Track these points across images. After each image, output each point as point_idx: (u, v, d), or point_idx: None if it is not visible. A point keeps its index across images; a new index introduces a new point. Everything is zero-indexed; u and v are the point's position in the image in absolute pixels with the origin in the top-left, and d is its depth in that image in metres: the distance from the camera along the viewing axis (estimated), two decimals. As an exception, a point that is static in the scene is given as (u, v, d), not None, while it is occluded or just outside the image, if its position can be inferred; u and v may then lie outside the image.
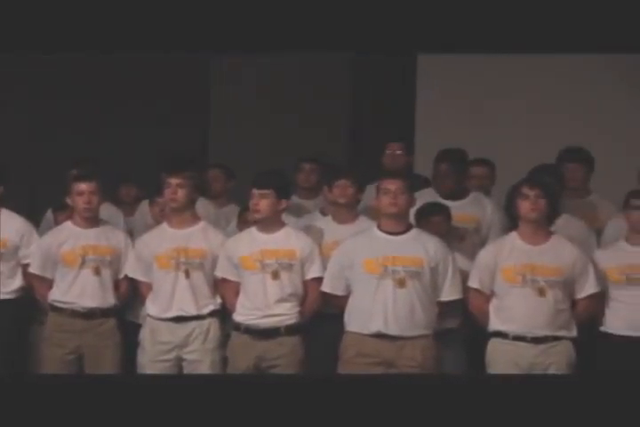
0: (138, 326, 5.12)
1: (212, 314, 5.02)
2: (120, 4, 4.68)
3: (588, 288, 4.77)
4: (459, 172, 5.38)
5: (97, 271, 5.10)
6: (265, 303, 4.90)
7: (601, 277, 4.80)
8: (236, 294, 4.97)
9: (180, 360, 5.02)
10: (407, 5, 4.67)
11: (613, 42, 4.72)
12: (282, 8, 4.70)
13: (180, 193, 5.02)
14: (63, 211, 5.36)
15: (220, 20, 4.71)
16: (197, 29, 4.72)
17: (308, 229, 5.13)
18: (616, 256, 4.84)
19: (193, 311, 4.99)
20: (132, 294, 5.19)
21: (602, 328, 4.83)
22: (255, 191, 4.93)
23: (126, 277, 5.16)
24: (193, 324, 4.99)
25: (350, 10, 4.68)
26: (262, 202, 4.91)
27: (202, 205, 5.37)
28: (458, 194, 5.36)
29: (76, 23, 4.68)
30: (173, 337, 4.99)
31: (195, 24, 4.71)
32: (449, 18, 4.68)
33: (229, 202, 5.84)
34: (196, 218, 5.11)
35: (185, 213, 5.06)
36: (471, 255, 5.01)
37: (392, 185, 4.80)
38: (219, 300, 5.04)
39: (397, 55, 6.26)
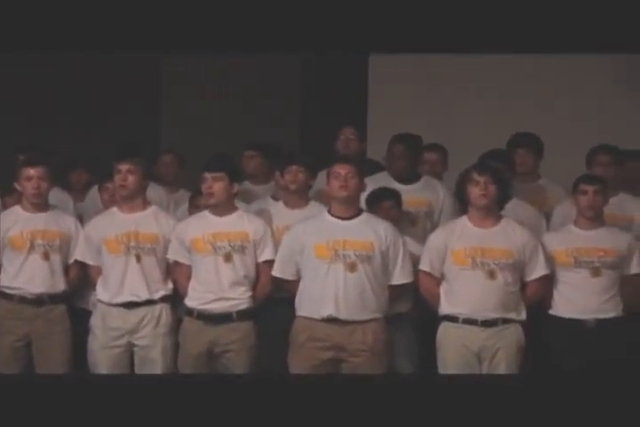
0: (88, 313, 5.08)
1: (163, 299, 5.00)
2: (76, 4, 4.70)
3: (538, 271, 4.80)
4: (413, 154, 5.41)
5: (46, 256, 5.05)
6: (218, 287, 4.89)
7: (550, 260, 4.84)
8: (189, 277, 4.96)
9: (131, 346, 4.99)
10: (358, 6, 4.71)
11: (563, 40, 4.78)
12: (234, 9, 4.73)
13: (131, 179, 4.99)
14: (11, 196, 5.31)
15: (174, 20, 4.75)
16: (150, 29, 4.76)
17: (259, 214, 5.12)
18: (564, 239, 4.89)
19: (144, 296, 4.97)
20: (82, 281, 5.14)
21: (550, 311, 4.88)
22: (208, 175, 4.92)
23: (76, 262, 5.12)
24: (144, 309, 4.97)
25: (302, 11, 4.72)
26: (216, 185, 4.90)
27: (153, 190, 5.35)
28: (410, 178, 5.38)
29: (35, 22, 4.71)
30: (124, 323, 4.97)
31: (148, 24, 4.75)
32: (400, 18, 4.72)
33: (181, 187, 5.83)
34: (146, 203, 5.09)
35: (136, 200, 5.03)
36: (423, 239, 5.03)
37: (342, 169, 4.81)
38: (170, 285, 5.02)
39: (349, 55, 6.33)
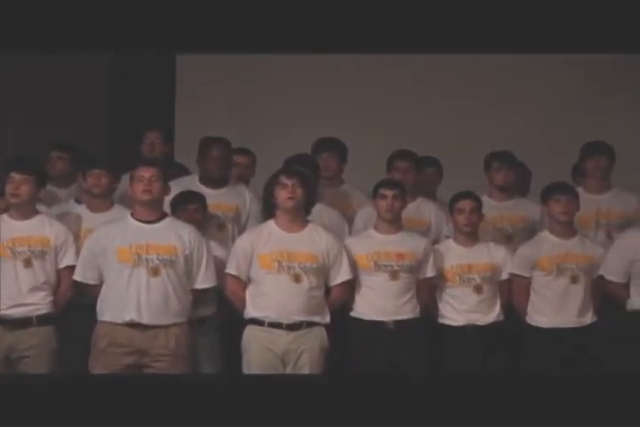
0: None
1: (-43, 305, 4.87)
2: None
3: (341, 275, 4.88)
4: (225, 157, 5.40)
5: None
6: (17, 292, 4.80)
7: (353, 265, 4.93)
8: (-13, 283, 4.84)
9: None
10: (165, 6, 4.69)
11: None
12: (36, 7, 4.65)
13: None
14: None
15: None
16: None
17: (61, 218, 5.06)
18: (365, 244, 4.99)
19: (-64, 303, 4.83)
20: None
21: (352, 313, 4.97)
22: (15, 175, 4.84)
23: None
24: (-64, 316, 4.83)
25: (108, 9, 4.66)
26: (23, 187, 4.84)
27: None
28: (219, 182, 5.38)
29: None
30: None
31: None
32: (210, 17, 4.71)
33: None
34: (-60, 206, 4.95)
35: None
36: (230, 244, 5.06)
37: (146, 173, 4.79)
38: (-37, 291, 4.90)
39: (156, 54, 6.27)
